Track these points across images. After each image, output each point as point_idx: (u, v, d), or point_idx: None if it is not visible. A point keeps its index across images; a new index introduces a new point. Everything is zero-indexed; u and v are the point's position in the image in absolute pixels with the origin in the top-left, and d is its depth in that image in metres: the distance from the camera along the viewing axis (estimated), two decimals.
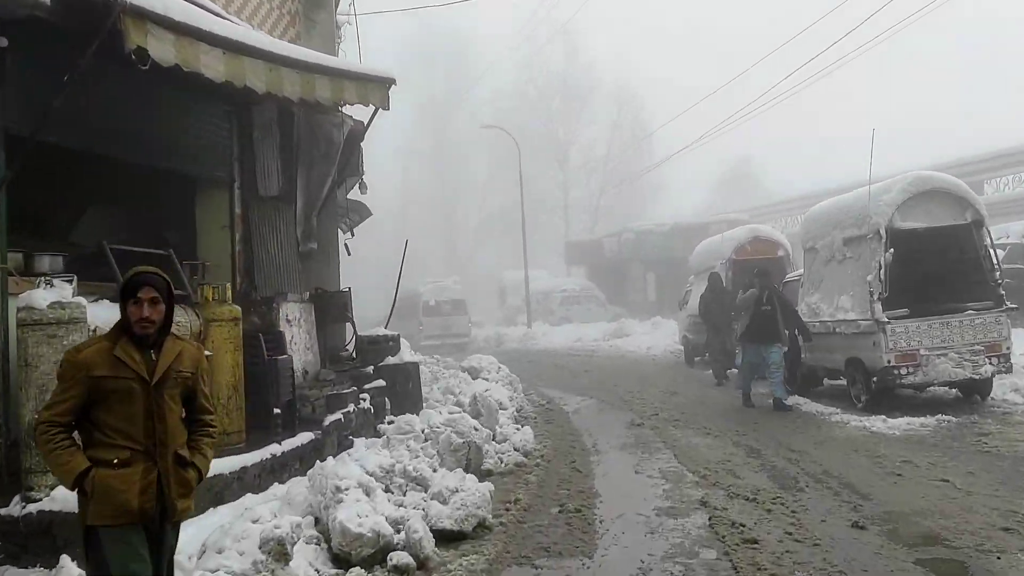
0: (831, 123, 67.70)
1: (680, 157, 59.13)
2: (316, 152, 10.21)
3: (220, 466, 5.75)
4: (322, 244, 10.46)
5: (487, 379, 14.26)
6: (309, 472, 6.06)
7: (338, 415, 8.57)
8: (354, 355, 10.62)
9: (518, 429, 9.32)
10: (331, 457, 6.60)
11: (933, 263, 10.84)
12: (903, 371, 10.07)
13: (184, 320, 6.49)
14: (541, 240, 54.54)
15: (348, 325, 10.66)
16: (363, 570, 5.11)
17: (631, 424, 10.87)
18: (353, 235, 19.65)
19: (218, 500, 5.80)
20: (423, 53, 58.33)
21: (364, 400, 9.45)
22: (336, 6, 13.50)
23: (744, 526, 5.88)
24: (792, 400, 11.46)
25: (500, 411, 9.98)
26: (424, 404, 11.07)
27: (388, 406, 10.06)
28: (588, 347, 26.51)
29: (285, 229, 9.76)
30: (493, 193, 56.16)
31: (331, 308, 9.95)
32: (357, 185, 11.88)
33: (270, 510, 5.40)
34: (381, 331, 10.51)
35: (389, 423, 9.90)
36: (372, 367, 10.14)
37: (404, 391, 10.28)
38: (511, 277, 41.32)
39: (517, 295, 39.38)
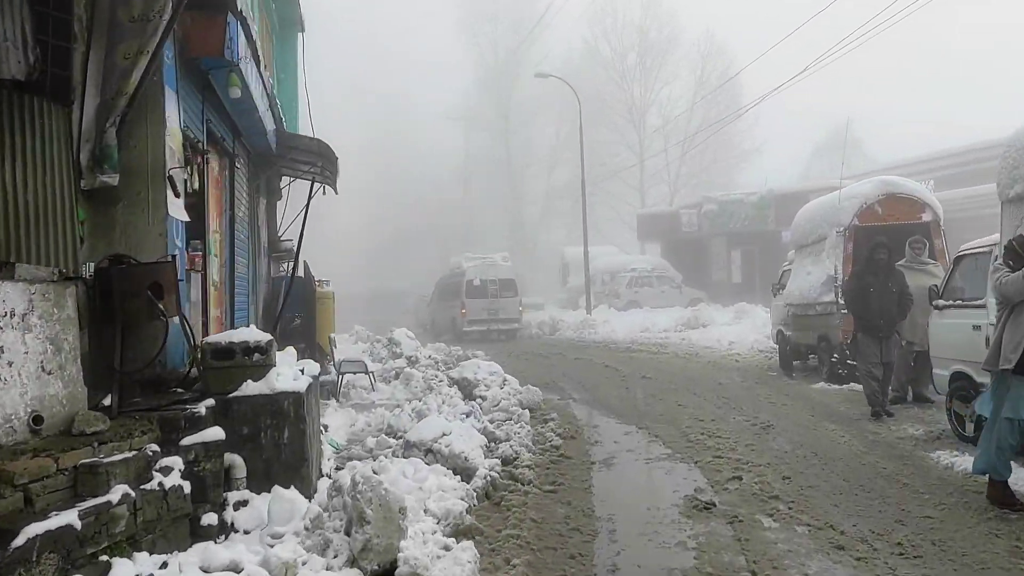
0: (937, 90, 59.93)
1: (772, 125, 52.92)
2: (122, 12, 5.67)
3: None
4: (131, 177, 5.92)
5: (483, 396, 9.63)
6: None
7: (67, 518, 4.06)
8: (192, 377, 6.06)
9: (444, 552, 4.51)
10: None
11: None
12: None
13: None
14: (614, 213, 49.42)
15: (177, 326, 6.08)
16: None
17: (692, 507, 6.03)
18: (335, 192, 15.31)
19: None
20: (485, 10, 53.62)
21: (169, 473, 4.91)
22: None
23: None
24: None
25: (438, 496, 5.30)
26: (323, 467, 6.55)
27: (241, 476, 5.50)
28: (656, 339, 21.50)
29: (42, 145, 5.26)
30: (562, 163, 51.23)
31: (133, 293, 5.39)
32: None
33: None
34: (244, 334, 5.91)
35: (238, 508, 5.46)
36: (213, 399, 5.56)
37: (275, 444, 5.68)
38: (573, 253, 36.40)
39: (580, 274, 34.52)
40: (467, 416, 8.20)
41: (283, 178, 16.31)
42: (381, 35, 70.26)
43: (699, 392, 11.98)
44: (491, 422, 8.62)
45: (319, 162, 11.89)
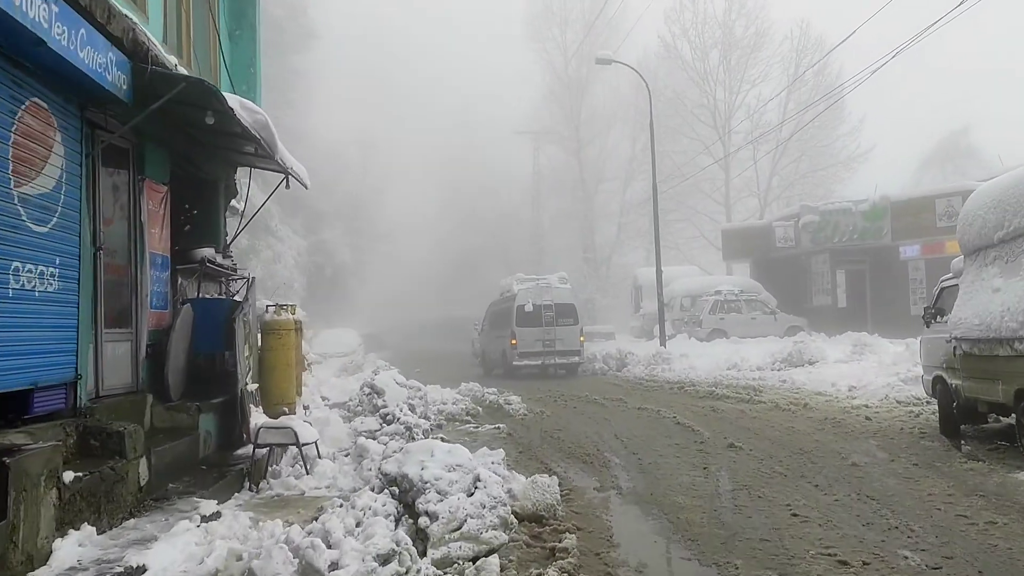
0: None
1: (876, 132, 47.06)
2: None
3: None
4: None
5: (432, 513, 5.32)
6: None
7: None
8: None
9: None
10: None
11: None
12: None
13: None
14: (696, 231, 44.46)
15: None
16: None
17: None
18: (305, 186, 11.62)
19: None
20: (554, 13, 49.80)
21: None
22: None
23: None
24: None
25: None
26: None
27: None
28: (747, 380, 16.72)
29: None
30: (638, 177, 46.58)
31: None
32: None
33: None
34: None
35: None
36: None
37: None
38: (646, 275, 31.75)
39: (654, 298, 29.84)
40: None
41: (237, 168, 12.52)
42: (444, 47, 67.33)
43: (823, 483, 7.35)
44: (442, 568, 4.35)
45: (246, 136, 7.96)
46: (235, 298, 10.38)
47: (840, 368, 15.67)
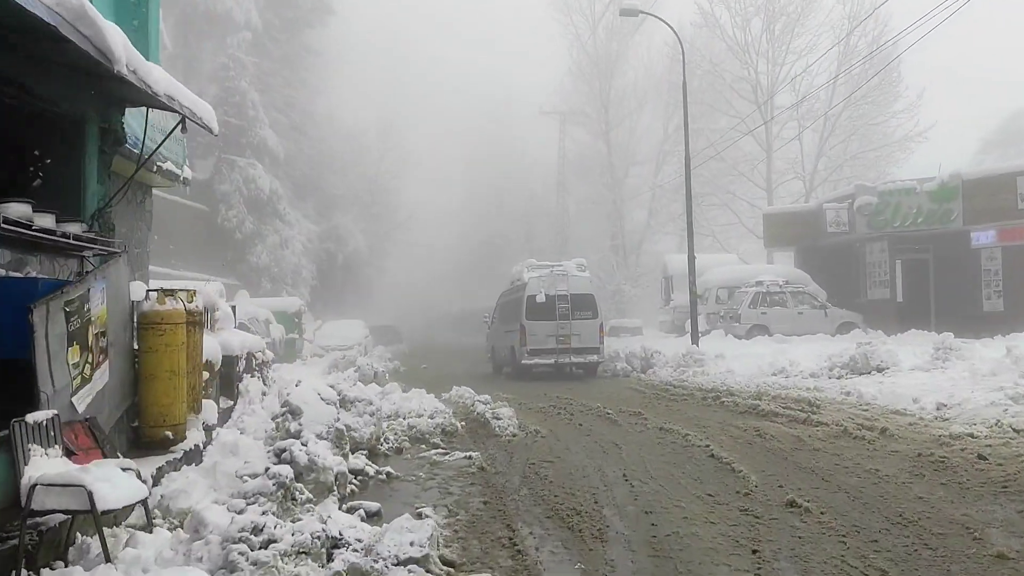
0: None
1: (935, 111, 43.14)
2: None
3: None
4: None
5: None
6: None
7: None
8: None
9: None
10: None
11: None
12: None
13: None
14: (734, 217, 41.01)
15: None
16: None
17: None
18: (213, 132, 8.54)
19: None
20: None
21: None
22: None
23: None
24: None
25: None
26: None
27: None
28: (799, 391, 13.48)
29: None
30: (671, 160, 43.26)
31: None
32: None
33: None
34: None
35: None
36: None
37: None
38: (677, 264, 28.54)
39: (686, 289, 26.66)
40: None
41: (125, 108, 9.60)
42: (467, 25, 64.15)
43: None
44: None
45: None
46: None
47: (920, 378, 12.41)
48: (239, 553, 4.44)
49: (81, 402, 6.45)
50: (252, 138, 39.79)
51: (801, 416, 10.86)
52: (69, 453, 5.73)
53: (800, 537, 5.58)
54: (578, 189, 51.09)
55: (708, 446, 9.00)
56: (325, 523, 4.70)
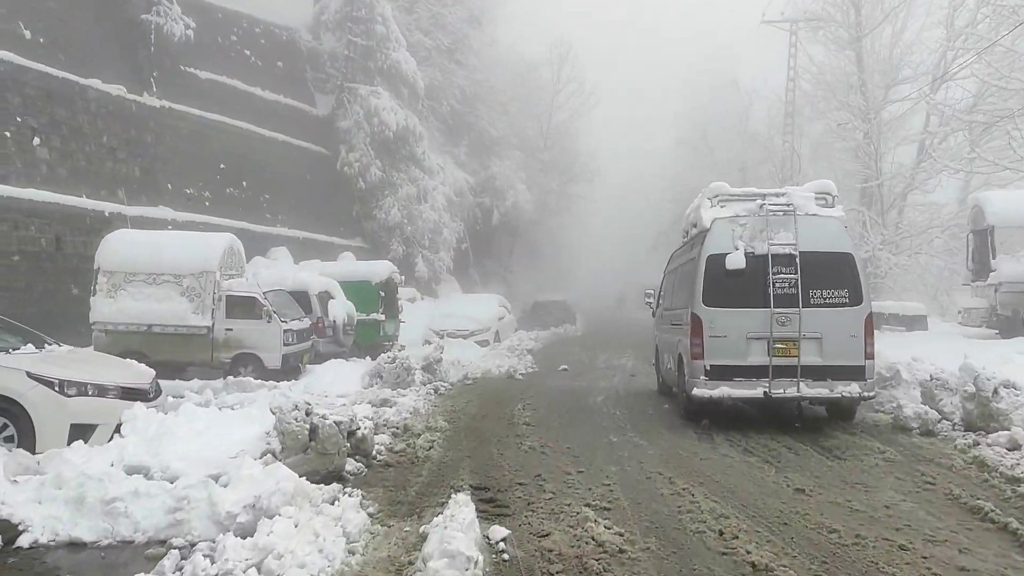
0: None
1: None
2: None
3: None
4: None
5: None
6: None
7: None
8: None
9: None
10: None
11: None
12: None
13: None
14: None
15: None
16: None
17: None
18: None
19: None
20: None
21: None
22: None
23: None
24: None
25: None
26: None
27: None
28: None
29: None
30: (951, 75, 29.71)
31: None
32: None
33: None
34: None
35: None
36: None
37: None
38: (1003, 205, 16.38)
39: (1016, 247, 14.64)
40: None
41: None
42: None
43: None
44: None
45: None
46: None
47: None
48: None
49: None
50: (380, 61, 31.53)
51: None
52: None
53: None
54: (811, 127, 38.54)
55: None
56: None
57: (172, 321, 14.33)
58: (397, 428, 9.66)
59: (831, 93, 35.17)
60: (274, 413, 6.92)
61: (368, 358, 15.93)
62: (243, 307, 14.63)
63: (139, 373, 8.56)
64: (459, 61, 36.93)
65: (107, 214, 18.45)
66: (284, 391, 11.71)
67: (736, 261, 9.81)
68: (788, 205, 10.09)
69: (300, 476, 6.70)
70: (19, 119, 17.74)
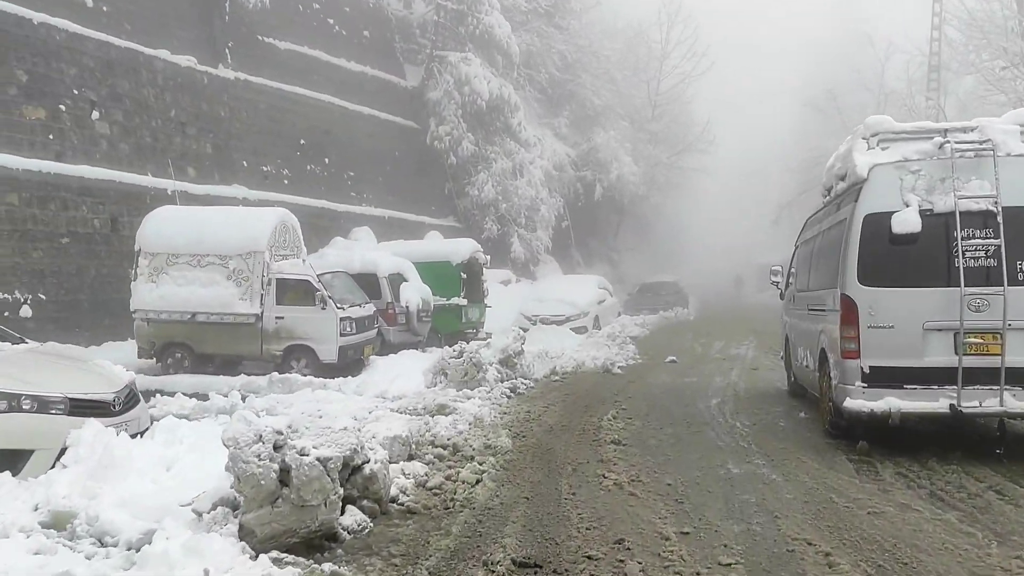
0: None
1: None
2: None
3: None
4: None
5: None
6: None
7: None
8: None
9: None
10: None
11: None
12: None
13: None
14: None
15: None
16: None
17: None
18: None
19: None
20: None
21: None
22: None
23: None
24: None
25: None
26: None
27: None
28: None
29: None
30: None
31: None
32: None
33: None
34: None
35: None
36: None
37: None
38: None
39: None
40: None
41: None
42: None
43: None
44: None
45: None
46: None
47: None
48: None
49: None
50: (472, 26, 29.37)
51: None
52: None
53: None
54: (958, 83, 33.97)
55: None
56: None
57: (217, 308, 12.63)
58: (444, 448, 7.43)
59: (985, 41, 30.61)
60: (227, 446, 4.77)
61: (447, 348, 13.82)
62: (295, 292, 12.80)
63: (105, 379, 6.64)
64: (559, 25, 34.32)
65: (169, 192, 17.05)
66: (311, 394, 9.72)
67: (907, 222, 7.03)
68: (983, 142, 7.19)
69: (262, 541, 4.55)
70: (75, 91, 16.50)
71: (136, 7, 19.28)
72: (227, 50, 21.81)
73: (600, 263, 36.23)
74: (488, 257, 19.26)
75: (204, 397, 10.32)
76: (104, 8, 18.29)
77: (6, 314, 13.49)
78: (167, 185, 17.35)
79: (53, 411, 5.95)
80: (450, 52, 29.06)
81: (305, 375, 12.28)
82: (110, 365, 6.96)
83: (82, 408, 6.10)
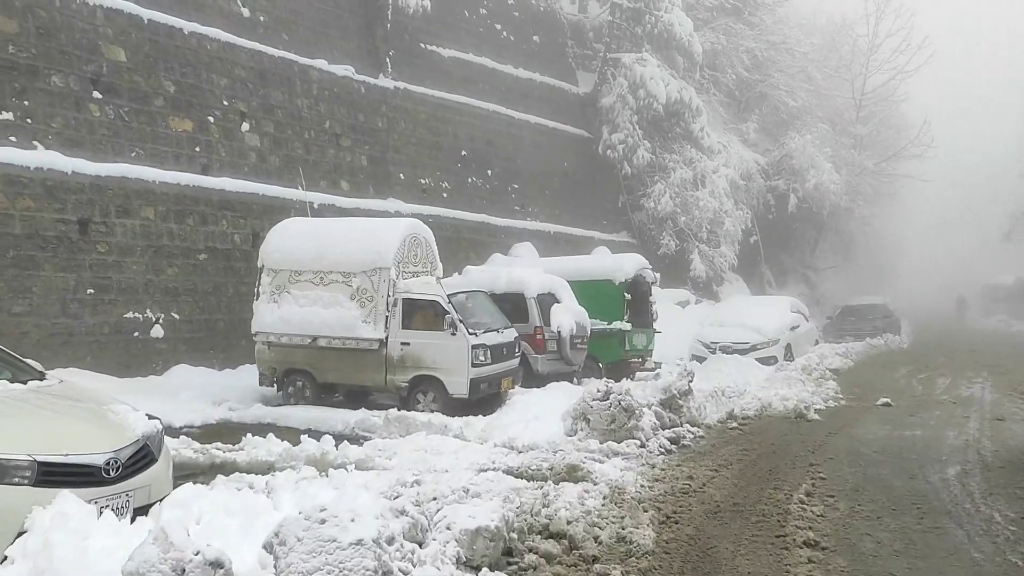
0: None
1: None
2: None
3: None
4: None
5: None
6: None
7: None
8: None
9: None
10: None
11: None
12: None
13: None
14: None
15: None
16: None
17: None
18: None
19: None
20: None
21: None
22: None
23: None
24: None
25: None
26: None
27: None
28: None
29: None
30: None
31: None
32: None
33: None
34: None
35: None
36: None
37: None
38: None
39: None
40: None
41: None
42: None
43: None
44: None
45: None
46: None
47: None
48: None
49: None
50: (650, 25, 27.11)
51: None
52: None
53: None
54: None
55: None
56: None
57: (339, 332, 11.20)
58: (559, 539, 5.31)
59: None
60: None
61: (589, 387, 11.63)
62: (423, 314, 11.14)
63: (108, 433, 5.08)
64: (748, 21, 31.18)
65: (316, 206, 16.11)
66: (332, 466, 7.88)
67: None
68: None
69: None
70: (225, 102, 15.97)
71: (295, 17, 18.75)
72: (388, 59, 20.93)
73: (794, 282, 32.48)
74: (658, 275, 16.86)
75: (317, 435, 8.82)
76: (261, 18, 17.83)
77: (136, 334, 12.85)
78: (315, 198, 16.45)
79: (14, 480, 4.43)
80: (624, 54, 26.94)
81: (433, 410, 10.59)
82: (130, 411, 5.41)
83: (56, 476, 4.55)
